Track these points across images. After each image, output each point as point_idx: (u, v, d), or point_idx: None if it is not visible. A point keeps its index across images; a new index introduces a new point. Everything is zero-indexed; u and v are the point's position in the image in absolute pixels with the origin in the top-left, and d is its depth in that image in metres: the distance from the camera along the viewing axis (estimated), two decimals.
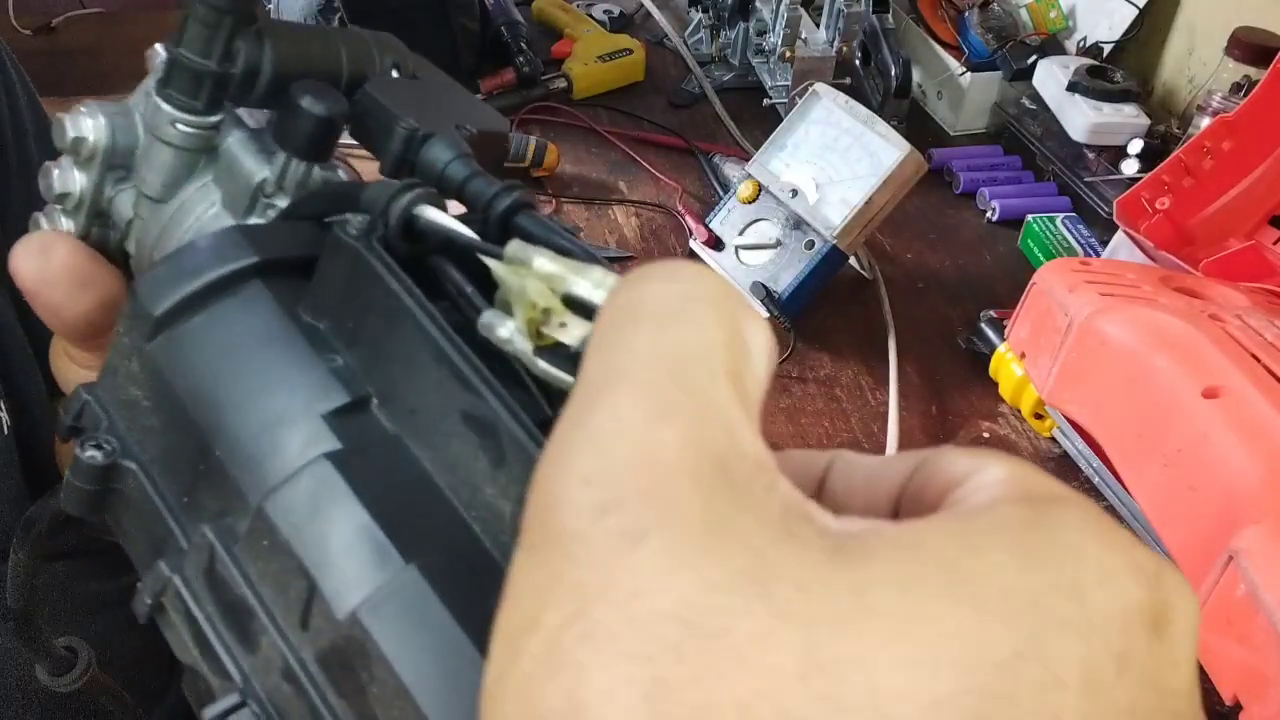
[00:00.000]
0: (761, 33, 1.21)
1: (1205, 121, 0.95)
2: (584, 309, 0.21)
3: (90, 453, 0.24)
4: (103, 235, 0.32)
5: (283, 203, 0.28)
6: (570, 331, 0.21)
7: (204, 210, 0.30)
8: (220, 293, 0.24)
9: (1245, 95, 0.90)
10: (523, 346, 0.21)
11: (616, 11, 1.36)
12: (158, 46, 0.30)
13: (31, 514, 0.28)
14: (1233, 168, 0.87)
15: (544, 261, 0.21)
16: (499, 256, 0.22)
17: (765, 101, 1.19)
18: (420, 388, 0.22)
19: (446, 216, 0.23)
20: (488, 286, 0.22)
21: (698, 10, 1.27)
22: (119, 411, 0.25)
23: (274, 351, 0.23)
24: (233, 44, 0.28)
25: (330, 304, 0.24)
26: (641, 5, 1.36)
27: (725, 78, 1.24)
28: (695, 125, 1.18)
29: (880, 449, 0.79)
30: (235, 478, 0.22)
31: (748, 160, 0.95)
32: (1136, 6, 1.15)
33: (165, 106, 0.29)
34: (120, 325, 0.25)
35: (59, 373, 0.35)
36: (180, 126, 0.29)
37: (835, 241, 0.86)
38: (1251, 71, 0.99)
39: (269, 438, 0.22)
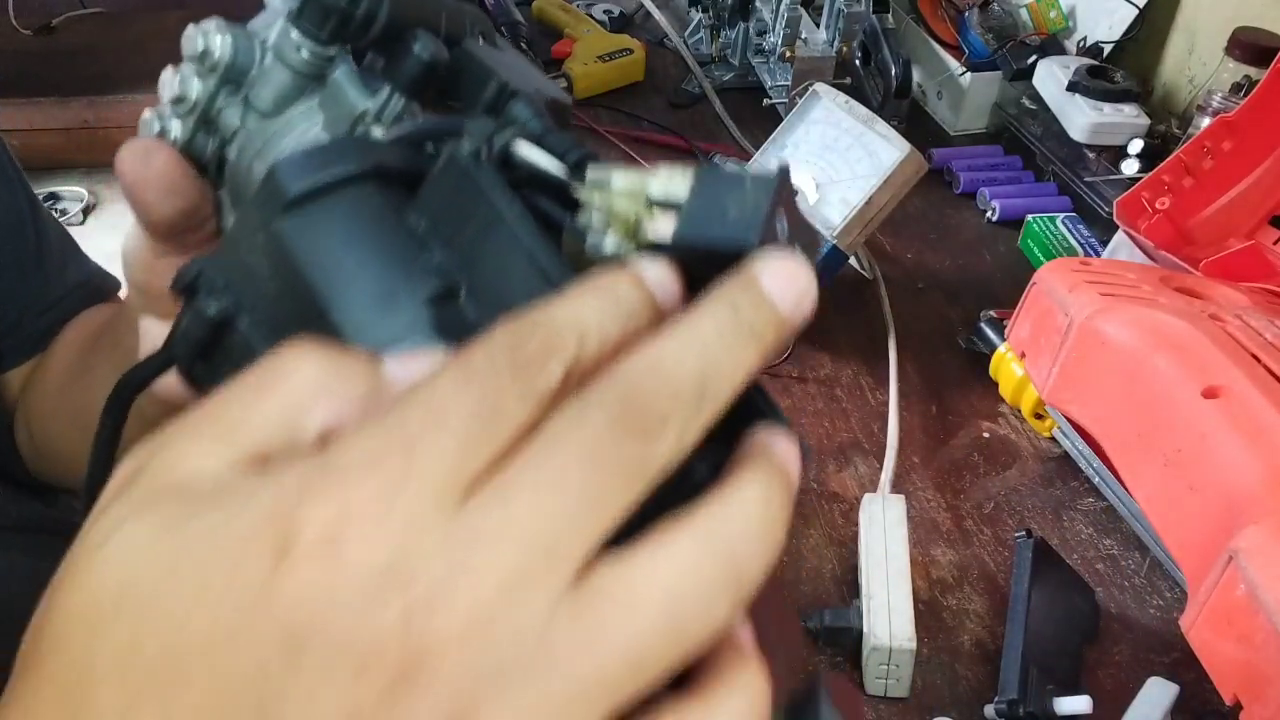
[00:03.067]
0: (761, 33, 1.21)
1: (1205, 121, 0.95)
2: (665, 205, 0.24)
3: (207, 302, 0.27)
4: (203, 143, 0.36)
5: (378, 132, 0.32)
6: (658, 226, 0.24)
7: (306, 129, 0.34)
8: (344, 186, 0.27)
9: (1245, 95, 0.90)
10: (629, 251, 0.25)
11: (616, 11, 1.36)
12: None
13: (126, 377, 0.31)
14: (1233, 168, 0.87)
15: (620, 176, 0.25)
16: (583, 182, 0.26)
17: (765, 101, 1.19)
18: (510, 286, 0.25)
19: (539, 151, 0.27)
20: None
21: (698, 10, 1.27)
22: (235, 275, 0.27)
23: (384, 239, 0.26)
24: None
25: (433, 210, 0.27)
26: (641, 5, 1.36)
27: (725, 78, 1.24)
28: (695, 125, 1.18)
29: (880, 449, 0.79)
30: (344, 337, 0.25)
31: (748, 160, 0.95)
32: (1136, 6, 1.15)
33: (294, 34, 0.34)
34: (253, 201, 0.27)
35: (137, 284, 0.42)
36: (303, 52, 0.34)
37: (835, 241, 0.86)
38: (1251, 71, 0.99)
39: (379, 306, 0.25)
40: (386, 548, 0.18)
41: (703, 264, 0.23)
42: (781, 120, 0.93)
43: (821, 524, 0.74)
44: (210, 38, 0.34)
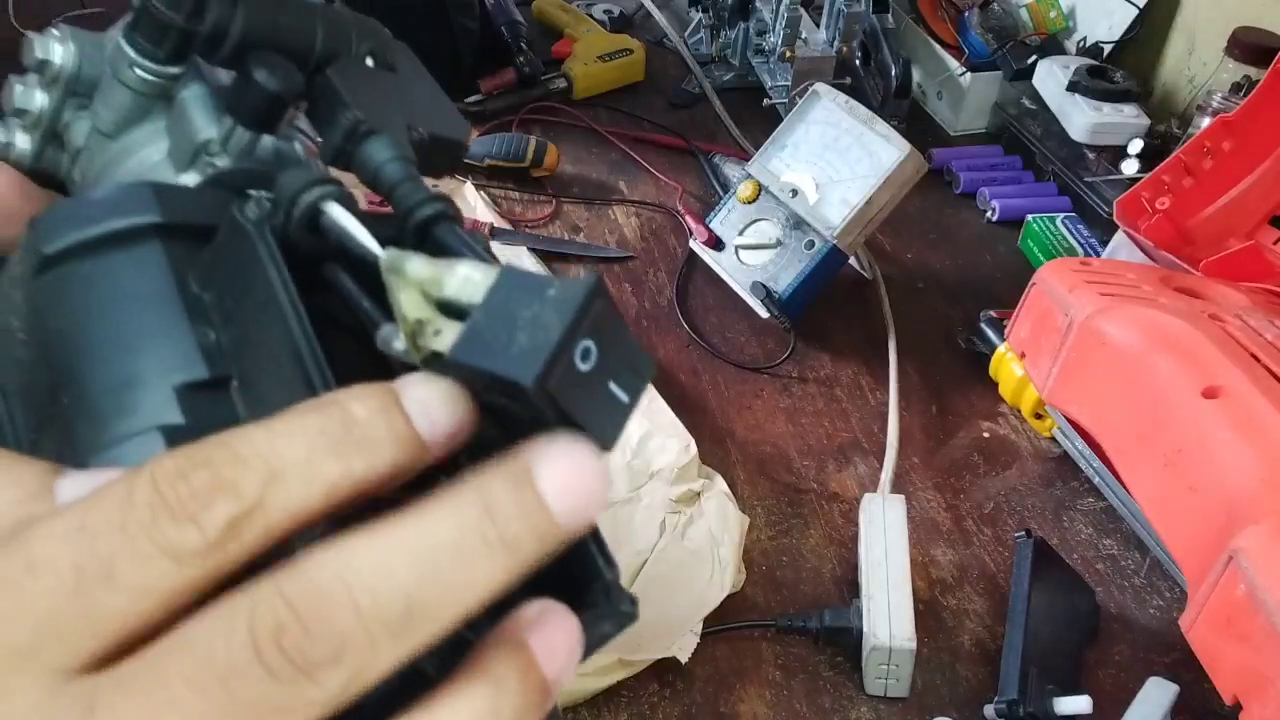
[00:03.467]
0: (761, 33, 1.21)
1: (1205, 121, 0.95)
2: (457, 309, 0.20)
3: None
4: (56, 157, 0.32)
5: (224, 164, 0.29)
6: (443, 338, 0.20)
7: (148, 155, 0.30)
8: (115, 244, 0.23)
9: (1245, 95, 0.90)
10: (415, 360, 0.20)
11: (616, 11, 1.36)
12: None
13: None
14: (1233, 168, 0.87)
15: (417, 266, 0.20)
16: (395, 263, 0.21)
17: (765, 101, 1.19)
18: (274, 381, 0.22)
19: (350, 218, 0.23)
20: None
21: (698, 10, 1.27)
22: None
23: (149, 314, 0.23)
24: (205, 0, 0.28)
25: (217, 279, 0.23)
26: (641, 5, 1.36)
27: (725, 78, 1.24)
28: (695, 125, 1.18)
29: (880, 449, 0.79)
30: (75, 428, 0.22)
31: (748, 160, 0.95)
32: (1136, 6, 1.15)
33: (127, 50, 0.29)
34: (17, 253, 0.24)
35: None
36: (138, 72, 0.29)
37: (835, 241, 0.86)
38: (1251, 71, 0.99)
39: (117, 398, 0.22)
40: None
41: (488, 389, 0.19)
42: (781, 120, 0.93)
43: (821, 524, 0.74)
44: (50, 46, 0.30)
